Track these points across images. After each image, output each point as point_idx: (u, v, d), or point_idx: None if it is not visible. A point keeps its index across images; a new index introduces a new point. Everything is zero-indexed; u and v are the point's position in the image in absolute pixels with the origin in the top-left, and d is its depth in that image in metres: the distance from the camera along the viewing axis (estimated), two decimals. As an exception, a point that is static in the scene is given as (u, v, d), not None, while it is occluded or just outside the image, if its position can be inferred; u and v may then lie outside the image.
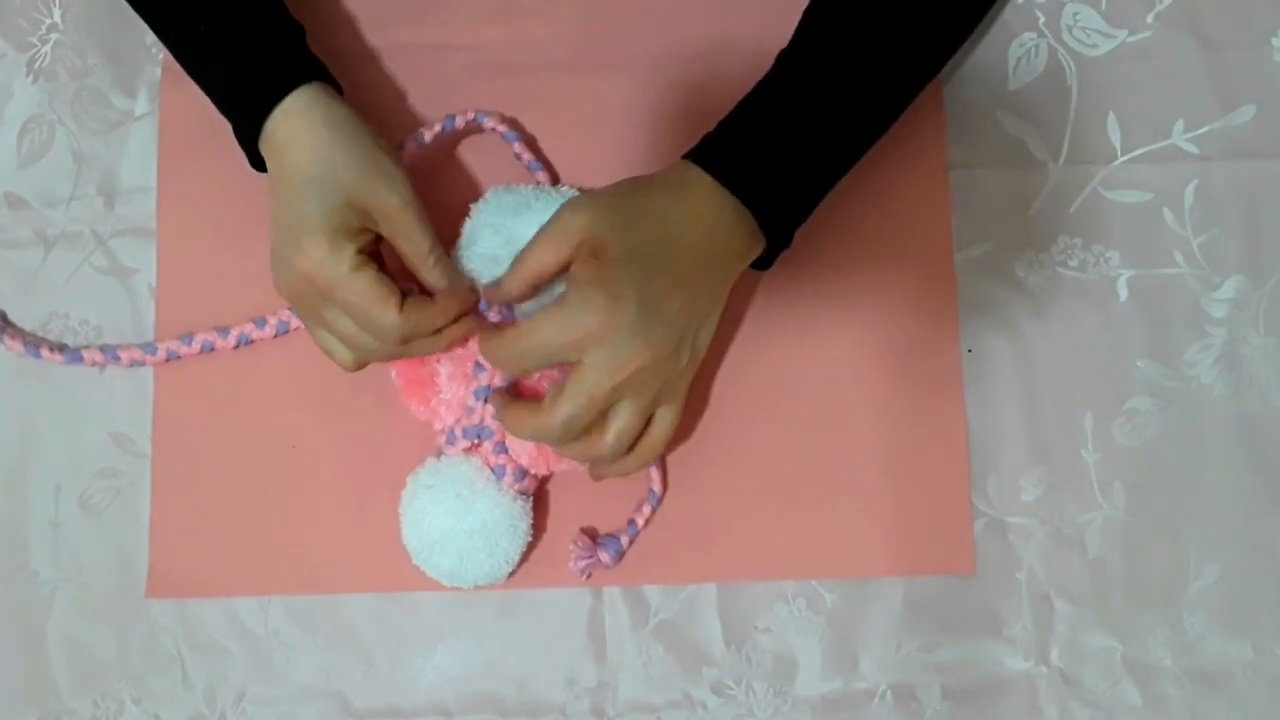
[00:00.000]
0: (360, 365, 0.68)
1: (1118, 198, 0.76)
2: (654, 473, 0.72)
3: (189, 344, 0.73)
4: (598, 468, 0.68)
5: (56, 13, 0.78)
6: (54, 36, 0.78)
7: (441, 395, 0.70)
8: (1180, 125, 0.76)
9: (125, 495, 0.74)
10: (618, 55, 0.76)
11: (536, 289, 0.64)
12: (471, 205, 0.72)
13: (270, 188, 0.66)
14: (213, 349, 0.73)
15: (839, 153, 0.69)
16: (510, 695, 0.72)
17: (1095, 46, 0.77)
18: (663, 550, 0.73)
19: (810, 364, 0.74)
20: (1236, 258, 0.75)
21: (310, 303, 0.65)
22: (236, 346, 0.73)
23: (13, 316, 0.75)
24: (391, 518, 0.71)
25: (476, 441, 0.70)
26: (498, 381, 0.69)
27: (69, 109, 0.77)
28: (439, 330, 0.66)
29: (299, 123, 0.65)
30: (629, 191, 0.65)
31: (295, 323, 0.73)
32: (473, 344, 0.69)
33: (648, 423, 0.66)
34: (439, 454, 0.70)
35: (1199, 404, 0.74)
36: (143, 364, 0.74)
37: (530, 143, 0.76)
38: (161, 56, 0.77)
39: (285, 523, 0.73)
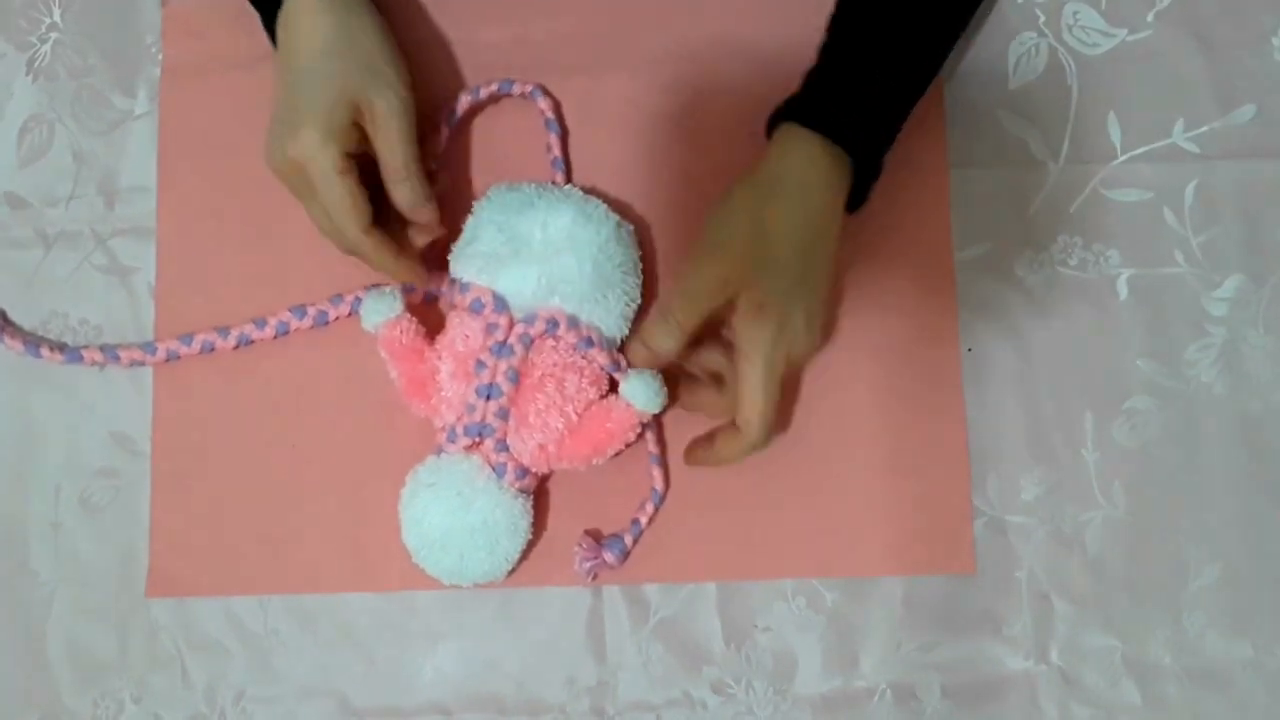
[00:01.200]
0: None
1: (1118, 197, 0.76)
2: (655, 471, 0.72)
3: (189, 344, 0.73)
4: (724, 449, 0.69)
5: (56, 12, 0.78)
6: (54, 36, 0.78)
7: (443, 393, 0.70)
8: (1180, 124, 0.76)
9: (125, 495, 0.74)
10: (618, 55, 0.76)
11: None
12: (474, 203, 0.72)
13: (275, 66, 0.68)
14: (213, 349, 0.73)
15: (916, 83, 0.71)
16: (510, 695, 0.72)
17: (1095, 46, 0.77)
18: (662, 549, 0.73)
19: (811, 364, 0.74)
20: (1236, 257, 0.75)
21: (296, 185, 0.67)
22: (236, 347, 0.73)
23: (13, 316, 0.75)
24: (391, 517, 0.71)
25: (478, 440, 0.69)
26: (499, 379, 0.68)
27: (69, 108, 0.77)
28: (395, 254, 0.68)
29: (314, 5, 0.67)
30: (750, 226, 0.66)
31: (295, 323, 0.73)
32: (475, 342, 0.69)
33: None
34: (439, 452, 0.70)
35: (1199, 403, 0.74)
36: (142, 364, 0.74)
37: (564, 138, 0.75)
38: (161, 56, 0.77)
39: (285, 523, 0.73)
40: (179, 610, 0.73)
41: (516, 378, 0.68)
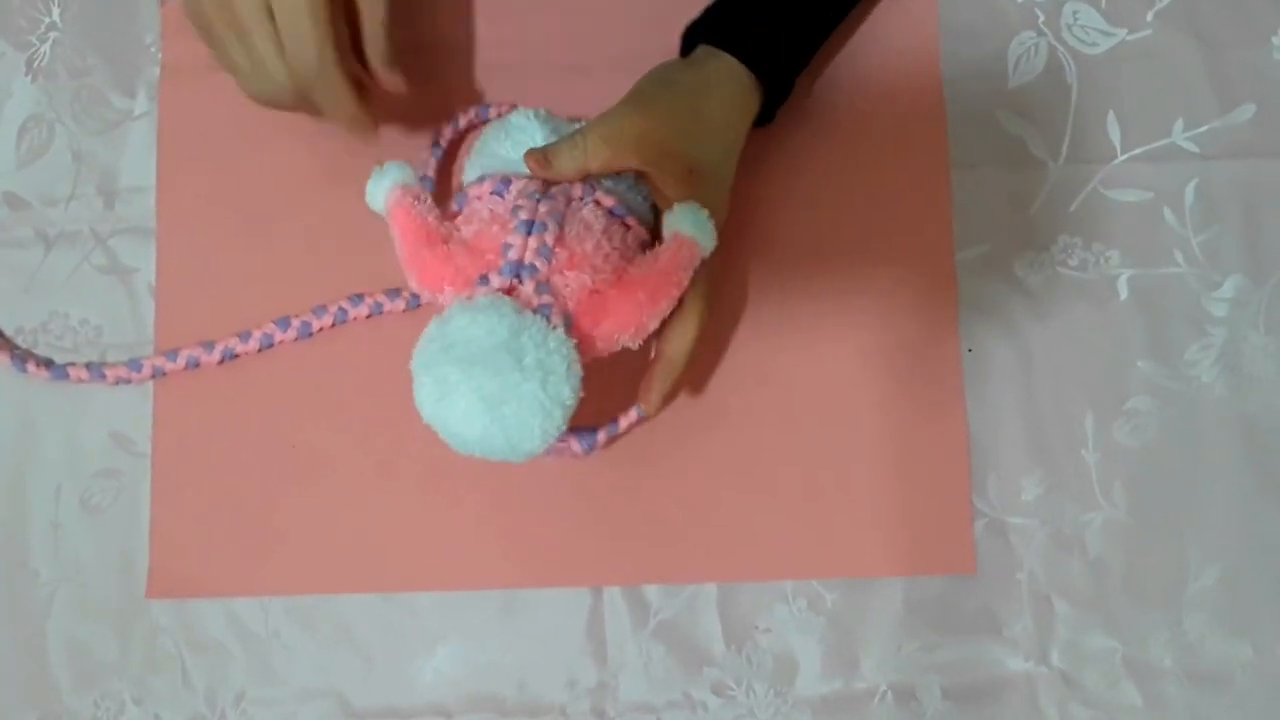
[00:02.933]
0: (265, 100, 0.64)
1: (1118, 197, 0.76)
2: None
3: (174, 360, 0.73)
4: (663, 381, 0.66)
5: (55, 11, 0.78)
6: (53, 35, 0.78)
7: (469, 240, 0.61)
8: (1180, 124, 0.76)
9: (125, 495, 0.74)
10: (617, 55, 0.76)
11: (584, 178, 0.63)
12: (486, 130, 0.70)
13: None
14: (198, 365, 0.73)
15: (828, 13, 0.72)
16: (510, 695, 0.72)
17: (1095, 45, 0.77)
18: (663, 550, 0.73)
19: (810, 364, 0.74)
20: (1237, 257, 0.75)
21: (222, 17, 0.61)
22: (221, 361, 0.73)
23: (13, 316, 0.75)
24: (391, 517, 0.71)
25: (516, 280, 0.59)
26: (542, 215, 0.60)
27: (68, 108, 0.77)
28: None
29: None
30: (685, 102, 0.66)
31: (280, 336, 0.73)
32: (506, 202, 0.62)
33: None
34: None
35: (1199, 404, 0.74)
36: (128, 381, 0.74)
37: None
38: (160, 56, 0.77)
39: (285, 523, 0.73)
40: (179, 611, 0.73)
41: (561, 220, 0.61)
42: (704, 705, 0.72)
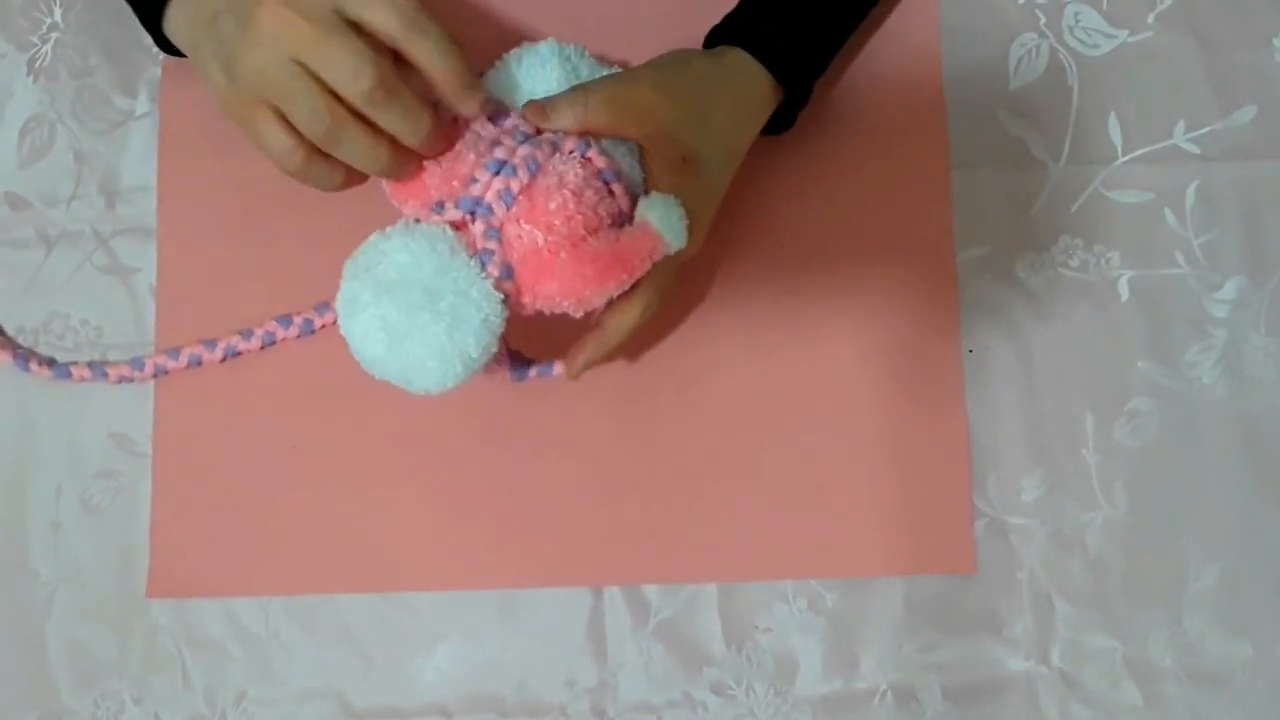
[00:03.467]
0: (302, 164, 0.58)
1: (1119, 198, 0.76)
2: None
3: (176, 359, 0.73)
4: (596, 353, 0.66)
5: (57, 12, 0.78)
6: (54, 36, 0.78)
7: (439, 164, 0.59)
8: (1181, 125, 0.76)
9: (125, 495, 0.74)
10: (618, 55, 0.76)
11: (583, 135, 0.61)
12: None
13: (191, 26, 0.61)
14: (200, 363, 0.73)
15: (849, 9, 0.73)
16: (510, 695, 0.72)
17: (1096, 47, 0.77)
18: (663, 550, 0.73)
19: (811, 364, 0.74)
20: (1238, 258, 0.75)
21: (278, 85, 0.56)
22: (224, 359, 0.74)
23: (14, 316, 0.75)
24: (391, 518, 0.71)
25: (469, 216, 0.58)
26: (517, 159, 0.58)
27: (70, 108, 0.77)
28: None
29: None
30: (697, 89, 0.65)
31: (282, 334, 0.73)
32: (492, 131, 0.60)
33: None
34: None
35: (1200, 404, 0.74)
36: (130, 380, 0.74)
37: None
38: (162, 56, 0.77)
39: (285, 523, 0.73)
40: (179, 611, 0.73)
41: (535, 169, 0.59)
42: (704, 705, 0.72)
